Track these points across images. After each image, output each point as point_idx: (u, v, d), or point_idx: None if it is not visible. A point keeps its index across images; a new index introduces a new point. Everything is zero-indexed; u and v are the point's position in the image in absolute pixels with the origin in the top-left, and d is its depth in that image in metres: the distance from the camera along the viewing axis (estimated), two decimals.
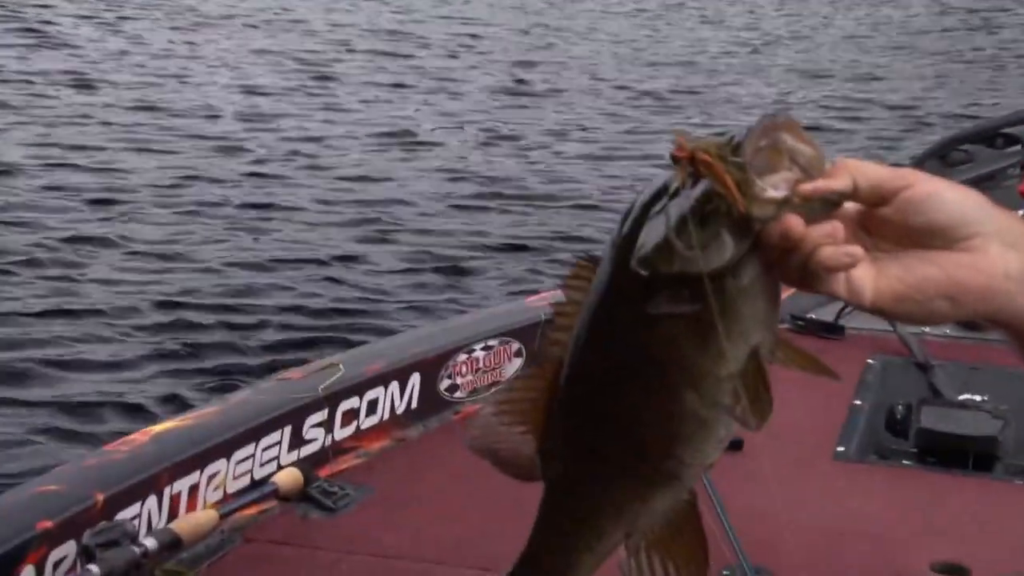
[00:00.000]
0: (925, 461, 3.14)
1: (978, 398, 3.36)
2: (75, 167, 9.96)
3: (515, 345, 3.50)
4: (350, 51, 18.48)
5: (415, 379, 3.22)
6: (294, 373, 3.12)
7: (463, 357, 3.35)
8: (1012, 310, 1.27)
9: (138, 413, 4.83)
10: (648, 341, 1.16)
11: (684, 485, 1.23)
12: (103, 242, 7.92)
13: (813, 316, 4.03)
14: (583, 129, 13.26)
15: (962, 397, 3.36)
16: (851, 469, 3.12)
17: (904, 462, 3.16)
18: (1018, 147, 4.47)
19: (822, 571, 2.56)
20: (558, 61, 18.64)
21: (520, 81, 16.59)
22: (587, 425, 1.25)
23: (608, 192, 9.81)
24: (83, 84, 13.92)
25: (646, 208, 1.15)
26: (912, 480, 3.07)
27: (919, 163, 4.40)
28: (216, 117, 13.02)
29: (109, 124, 11.76)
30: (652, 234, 1.14)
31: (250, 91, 14.69)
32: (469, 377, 3.37)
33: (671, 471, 1.21)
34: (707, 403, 1.15)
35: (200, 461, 2.64)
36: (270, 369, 4.44)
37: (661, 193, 1.15)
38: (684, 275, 1.11)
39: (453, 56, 18.59)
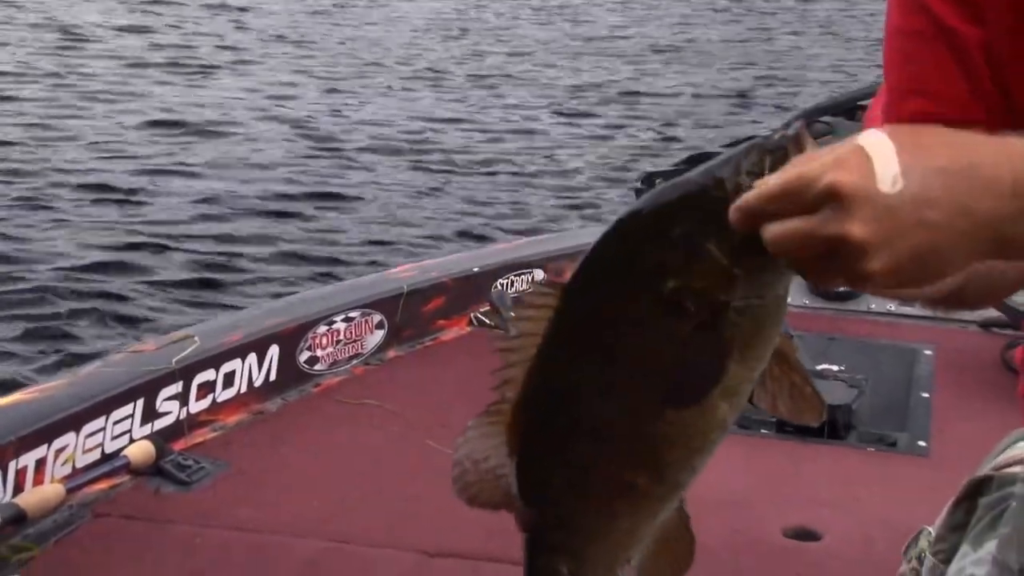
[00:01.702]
0: (783, 430, 3.18)
1: (835, 368, 3.43)
2: None
3: (376, 317, 3.50)
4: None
5: (273, 351, 3.21)
6: (147, 345, 3.08)
7: (323, 329, 3.34)
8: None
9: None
10: (678, 352, 1.12)
11: (683, 493, 1.21)
12: None
13: None
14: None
15: (819, 367, 3.43)
16: None
17: (763, 431, 3.21)
18: None
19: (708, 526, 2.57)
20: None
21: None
22: (588, 451, 1.18)
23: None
24: None
25: (678, 217, 1.11)
26: (770, 449, 3.12)
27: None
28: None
29: None
30: (696, 253, 1.09)
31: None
32: (329, 349, 3.37)
33: (683, 484, 1.19)
34: (735, 412, 1.13)
35: (47, 435, 2.60)
36: (121, 342, 4.38)
37: (695, 205, 1.11)
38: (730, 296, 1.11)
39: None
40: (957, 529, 2.09)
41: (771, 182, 1.10)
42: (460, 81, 13.69)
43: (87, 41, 17.22)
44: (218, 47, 16.98)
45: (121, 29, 18.28)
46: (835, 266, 1.13)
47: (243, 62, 15.46)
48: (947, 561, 2.10)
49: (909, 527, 2.20)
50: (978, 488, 2.17)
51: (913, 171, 1.15)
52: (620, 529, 1.22)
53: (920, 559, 2.18)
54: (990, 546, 1.86)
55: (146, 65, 15.10)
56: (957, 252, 1.20)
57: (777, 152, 1.10)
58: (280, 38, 18.38)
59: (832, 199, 1.09)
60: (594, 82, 13.99)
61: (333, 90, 13.05)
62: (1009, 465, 2.10)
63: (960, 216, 1.19)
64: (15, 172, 9.09)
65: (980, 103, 1.70)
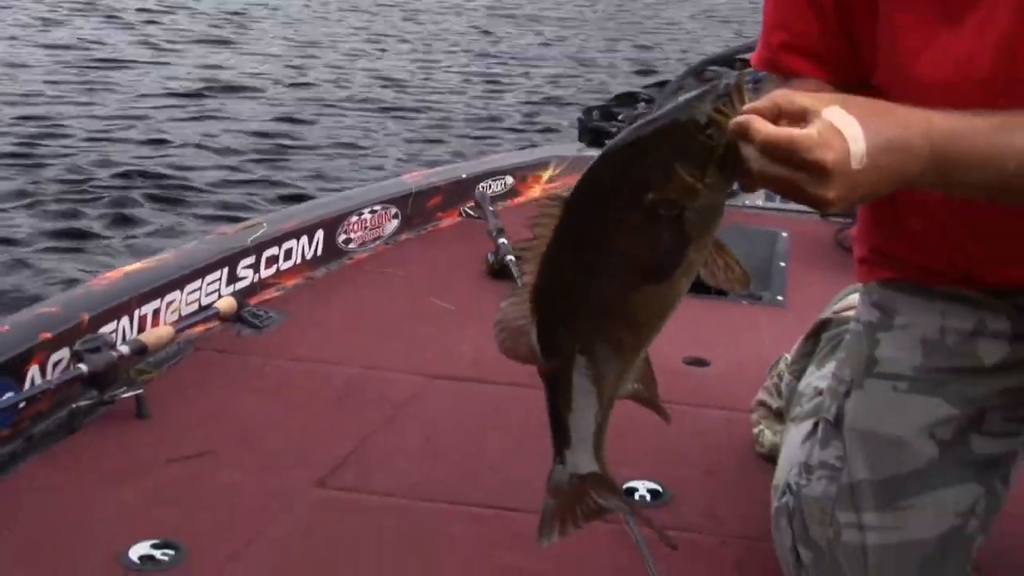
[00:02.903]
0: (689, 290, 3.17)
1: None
2: None
3: (393, 210, 3.51)
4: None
5: (319, 234, 3.22)
6: (229, 229, 3.09)
7: (354, 218, 3.35)
8: None
9: (116, 257, 4.69)
10: (654, 244, 1.20)
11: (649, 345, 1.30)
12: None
13: None
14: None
15: None
16: None
17: None
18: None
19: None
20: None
21: None
22: (588, 317, 1.27)
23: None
24: None
25: (653, 140, 1.18)
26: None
27: (681, 80, 4.32)
28: None
29: None
30: (671, 174, 1.17)
31: None
32: (359, 233, 3.39)
33: (651, 337, 1.28)
34: (688, 284, 1.22)
35: (161, 292, 2.63)
36: (212, 225, 4.36)
37: (668, 130, 1.17)
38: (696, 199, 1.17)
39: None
40: (806, 356, 2.24)
41: (774, 133, 1.17)
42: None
43: None
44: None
45: None
46: (801, 200, 1.23)
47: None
48: (798, 378, 2.21)
49: (772, 356, 2.33)
50: (822, 327, 2.25)
51: (872, 151, 1.23)
52: (612, 372, 1.30)
53: (780, 377, 2.31)
54: (830, 366, 1.93)
55: None
56: (885, 193, 1.32)
57: (725, 97, 1.16)
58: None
59: (817, 171, 1.18)
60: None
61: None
62: (844, 311, 2.21)
63: (896, 178, 1.29)
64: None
65: (829, 41, 1.68)
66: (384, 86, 9.30)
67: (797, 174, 1.20)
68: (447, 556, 1.83)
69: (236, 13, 14.20)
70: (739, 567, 1.87)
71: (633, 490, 2.04)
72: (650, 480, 2.09)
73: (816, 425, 1.81)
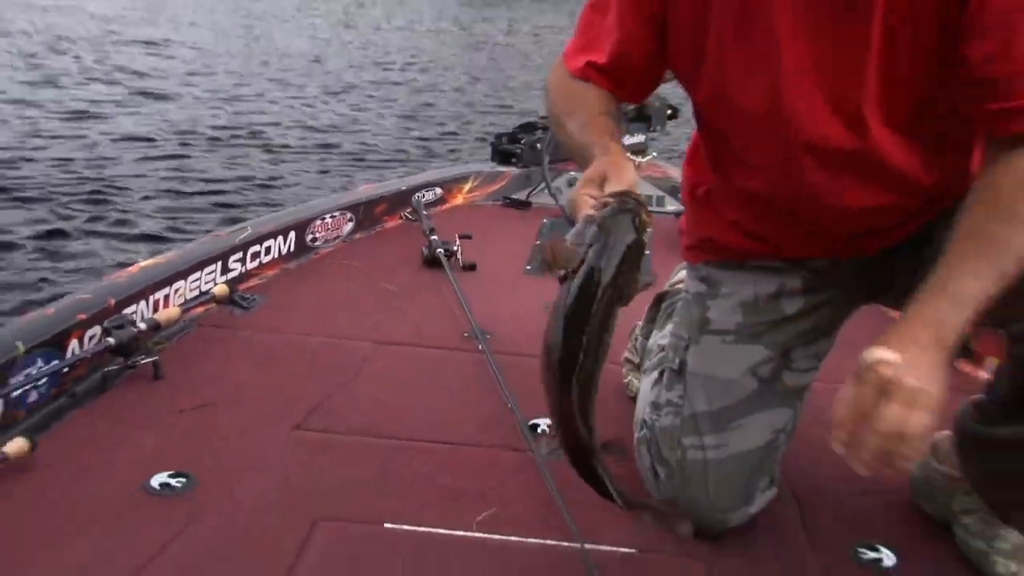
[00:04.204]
0: None
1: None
2: None
3: (349, 215, 3.46)
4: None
5: (292, 235, 3.18)
6: (222, 232, 3.05)
7: (319, 222, 3.31)
8: None
9: (136, 251, 4.58)
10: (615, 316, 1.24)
11: None
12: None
13: (514, 196, 4.04)
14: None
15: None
16: (533, 281, 3.12)
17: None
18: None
19: (522, 333, 2.60)
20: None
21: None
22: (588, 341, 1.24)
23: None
24: None
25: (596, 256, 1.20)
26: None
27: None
28: None
29: None
30: (619, 270, 1.21)
31: None
32: (323, 233, 3.34)
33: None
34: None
35: (169, 281, 2.60)
36: (208, 229, 4.26)
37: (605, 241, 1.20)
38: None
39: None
40: (650, 322, 2.25)
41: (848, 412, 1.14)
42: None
43: None
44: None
45: None
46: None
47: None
48: (647, 338, 2.24)
49: (630, 326, 2.34)
50: (661, 298, 2.31)
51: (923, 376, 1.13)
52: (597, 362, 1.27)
53: (636, 338, 2.35)
54: (668, 328, 1.95)
55: None
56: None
57: (639, 215, 1.21)
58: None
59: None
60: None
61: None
62: (677, 283, 2.25)
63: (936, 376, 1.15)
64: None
65: (642, 75, 1.61)
66: (311, 127, 8.42)
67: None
68: (398, 481, 1.84)
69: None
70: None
71: (536, 426, 2.05)
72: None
73: (662, 373, 1.82)
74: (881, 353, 1.15)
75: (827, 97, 1.43)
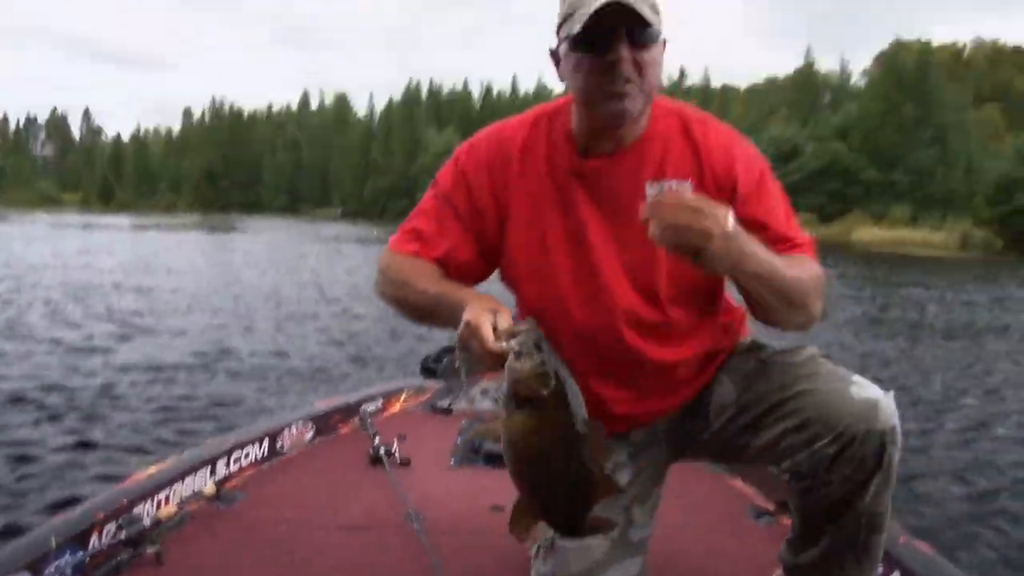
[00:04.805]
0: (488, 463, 3.26)
1: None
2: None
3: (310, 424, 3.58)
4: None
5: (266, 442, 3.30)
6: (210, 441, 3.14)
7: (287, 431, 3.43)
8: None
9: (137, 458, 4.59)
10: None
11: None
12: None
13: (439, 404, 4.15)
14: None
15: None
16: (459, 471, 3.25)
17: (479, 465, 3.27)
18: None
19: (450, 517, 2.66)
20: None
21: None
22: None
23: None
24: None
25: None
26: (481, 474, 3.19)
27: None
28: None
29: None
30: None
31: None
32: (291, 440, 3.44)
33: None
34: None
35: (169, 483, 2.70)
36: (195, 441, 4.02)
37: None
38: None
39: None
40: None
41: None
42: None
43: None
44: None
45: None
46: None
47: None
48: None
49: None
50: None
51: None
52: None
53: None
54: None
55: None
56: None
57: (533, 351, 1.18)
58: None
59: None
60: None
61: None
62: None
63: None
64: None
65: (464, 265, 1.64)
66: (276, 352, 8.21)
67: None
68: None
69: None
70: None
71: None
72: None
73: (539, 550, 1.80)
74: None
75: (631, 280, 1.58)
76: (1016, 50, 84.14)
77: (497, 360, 1.26)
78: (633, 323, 1.63)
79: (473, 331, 1.31)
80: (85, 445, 4.91)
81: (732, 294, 1.70)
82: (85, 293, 12.63)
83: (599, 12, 1.41)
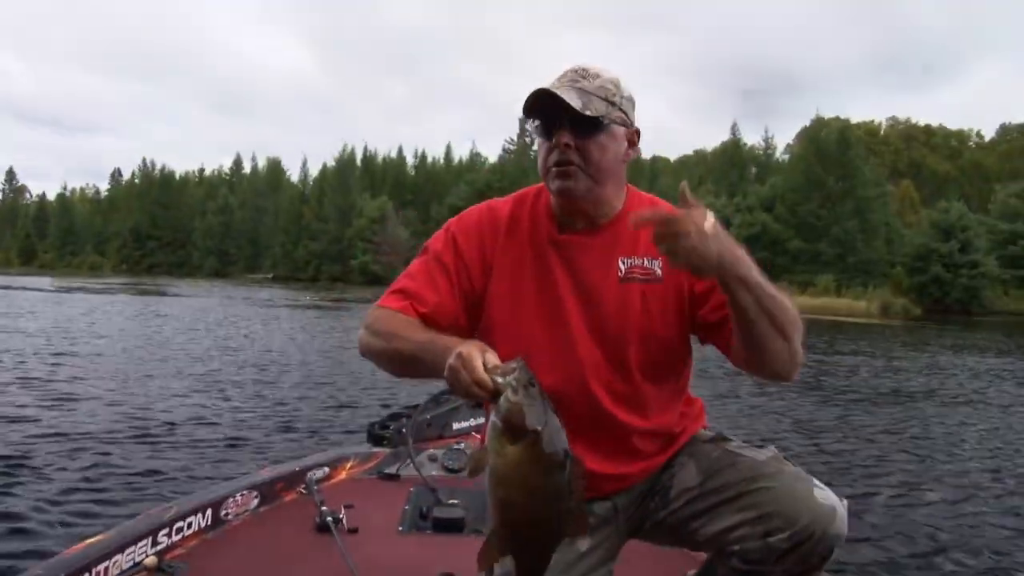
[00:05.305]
0: (436, 530, 3.29)
1: (456, 501, 3.48)
2: None
3: (255, 492, 3.56)
4: None
5: (210, 511, 3.27)
6: (152, 510, 3.10)
7: (231, 500, 3.41)
8: None
9: (65, 531, 4.39)
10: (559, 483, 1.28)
11: None
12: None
13: (386, 471, 4.15)
14: None
15: (450, 501, 3.47)
16: (407, 537, 3.26)
17: (427, 531, 3.30)
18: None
19: None
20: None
21: None
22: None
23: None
24: None
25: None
26: (430, 540, 3.22)
27: (426, 404, 4.35)
28: None
29: None
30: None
31: None
32: (235, 508, 3.42)
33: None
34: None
35: (109, 555, 2.67)
36: (134, 512, 4.11)
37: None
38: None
39: None
40: None
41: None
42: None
43: None
44: None
45: None
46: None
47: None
48: None
49: None
50: None
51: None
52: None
53: None
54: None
55: None
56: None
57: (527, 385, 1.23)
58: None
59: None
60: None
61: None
62: None
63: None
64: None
65: (449, 320, 1.70)
66: (212, 422, 7.90)
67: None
68: None
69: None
70: None
71: None
72: None
73: None
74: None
75: (603, 350, 1.71)
76: (927, 129, 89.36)
77: (485, 391, 1.32)
78: (603, 385, 1.76)
79: (465, 361, 1.40)
80: (15, 516, 4.71)
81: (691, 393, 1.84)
82: (3, 358, 12.19)
83: (532, 103, 1.61)
